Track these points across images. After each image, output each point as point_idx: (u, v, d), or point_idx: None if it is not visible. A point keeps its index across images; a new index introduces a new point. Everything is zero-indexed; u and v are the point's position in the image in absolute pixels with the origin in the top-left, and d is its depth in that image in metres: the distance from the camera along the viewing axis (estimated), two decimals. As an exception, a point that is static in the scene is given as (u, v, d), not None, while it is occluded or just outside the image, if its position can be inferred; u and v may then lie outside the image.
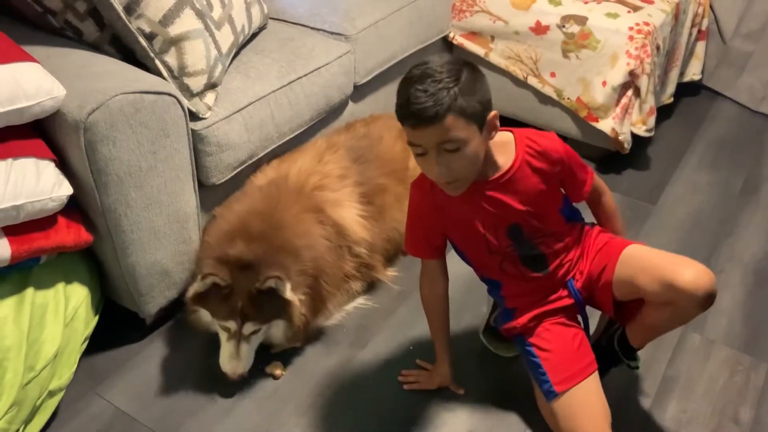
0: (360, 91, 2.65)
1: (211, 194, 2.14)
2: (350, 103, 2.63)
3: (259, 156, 2.23)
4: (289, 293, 1.92)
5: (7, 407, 1.68)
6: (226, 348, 1.97)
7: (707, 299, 1.59)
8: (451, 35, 3.11)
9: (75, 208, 1.88)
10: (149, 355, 2.13)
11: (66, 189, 1.76)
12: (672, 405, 1.97)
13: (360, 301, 2.33)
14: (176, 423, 1.93)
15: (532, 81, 3.00)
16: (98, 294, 2.04)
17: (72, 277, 1.92)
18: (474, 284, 2.06)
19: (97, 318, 2.02)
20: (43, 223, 1.75)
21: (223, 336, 1.98)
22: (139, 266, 1.98)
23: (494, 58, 3.05)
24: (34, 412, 1.80)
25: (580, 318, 1.88)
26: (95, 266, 2.05)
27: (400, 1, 2.70)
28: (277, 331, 2.01)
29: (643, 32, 2.75)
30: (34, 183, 1.67)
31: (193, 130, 1.98)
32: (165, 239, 2.01)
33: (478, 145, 1.54)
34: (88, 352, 2.09)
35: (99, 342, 2.12)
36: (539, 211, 1.71)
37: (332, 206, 2.18)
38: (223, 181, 2.13)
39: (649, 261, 1.69)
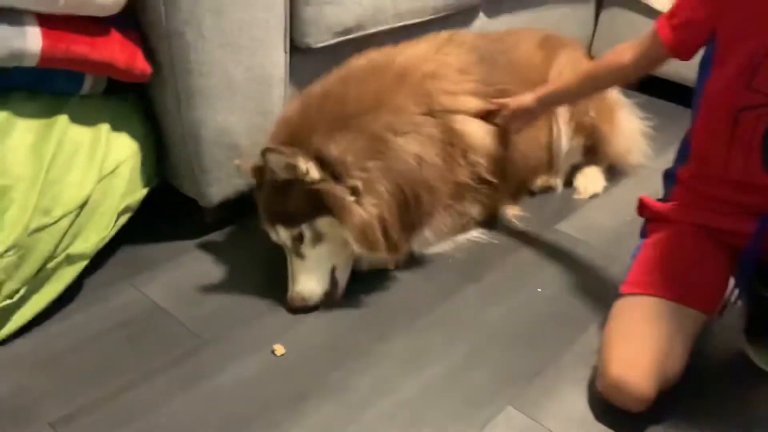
0: (495, 3, 2.19)
1: (303, 62, 1.70)
2: (482, 16, 2.18)
3: (368, 31, 1.79)
4: (314, 172, 1.44)
5: (5, 248, 1.26)
6: (289, 268, 1.53)
7: None
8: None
9: (135, 29, 1.49)
10: (203, 255, 1.68)
11: (124, -16, 1.37)
12: None
13: (474, 233, 1.81)
14: (222, 328, 1.45)
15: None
16: (151, 161, 1.62)
17: (120, 124, 1.52)
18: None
19: (145, 192, 1.60)
20: (90, 26, 1.36)
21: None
22: (206, 127, 1.55)
23: None
24: (45, 277, 1.37)
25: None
26: (152, 126, 1.64)
27: None
28: (337, 241, 1.51)
29: None
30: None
31: (293, -33, 1.58)
32: (240, 99, 1.58)
33: None
34: (128, 240, 1.66)
35: (144, 232, 1.70)
36: None
37: (445, 96, 1.69)
38: (320, 45, 1.69)
39: None
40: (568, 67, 1.94)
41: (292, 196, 1.45)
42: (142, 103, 1.61)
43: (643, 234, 1.51)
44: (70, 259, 1.40)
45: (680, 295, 1.32)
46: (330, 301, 1.53)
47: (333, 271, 1.53)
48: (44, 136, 1.35)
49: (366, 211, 1.47)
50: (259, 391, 1.31)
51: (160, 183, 1.70)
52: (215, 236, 1.75)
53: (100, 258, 1.60)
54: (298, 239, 1.48)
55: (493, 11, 2.21)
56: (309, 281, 1.50)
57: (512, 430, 1.25)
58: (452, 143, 1.67)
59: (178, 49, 1.45)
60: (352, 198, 1.46)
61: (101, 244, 1.47)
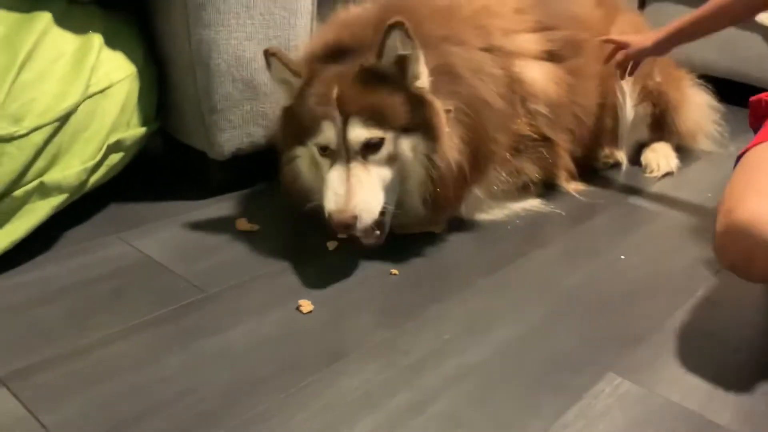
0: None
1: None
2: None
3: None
4: (425, 77, 1.17)
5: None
6: (331, 178, 1.18)
7: None
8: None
9: None
10: (210, 215, 1.38)
11: None
12: None
13: (533, 203, 1.51)
14: (232, 282, 1.14)
15: (763, 17, 2.23)
16: (151, 95, 1.35)
17: (116, 40, 1.26)
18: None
19: (142, 131, 1.32)
20: None
21: (325, 165, 1.21)
22: (217, 52, 1.29)
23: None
24: (10, 208, 1.08)
25: None
26: (154, 53, 1.37)
27: None
28: (406, 172, 1.23)
29: None
30: None
31: None
32: (260, 24, 1.33)
33: None
34: (120, 198, 1.37)
35: (140, 191, 1.42)
36: None
37: (503, 35, 1.44)
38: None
39: None
40: (629, 30, 1.70)
41: (392, 93, 1.17)
42: (143, 25, 1.35)
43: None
44: (43, 189, 1.11)
45: None
46: (372, 244, 1.22)
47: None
48: (18, 30, 1.09)
49: (456, 147, 1.21)
50: (279, 350, 0.99)
51: (160, 133, 1.43)
52: (225, 198, 1.45)
53: (85, 212, 1.31)
54: (374, 147, 1.17)
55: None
56: (371, 197, 1.16)
57: (623, 400, 0.93)
58: (513, 89, 1.40)
59: (189, -56, 1.21)
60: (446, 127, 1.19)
61: (84, 178, 1.18)
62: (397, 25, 1.12)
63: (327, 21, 1.34)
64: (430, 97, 1.18)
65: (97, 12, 1.25)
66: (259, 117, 1.40)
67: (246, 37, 1.32)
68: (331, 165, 1.19)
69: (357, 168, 1.17)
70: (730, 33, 2.30)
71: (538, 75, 1.47)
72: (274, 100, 1.41)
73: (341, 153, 1.17)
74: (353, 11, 1.33)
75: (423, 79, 1.18)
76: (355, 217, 1.13)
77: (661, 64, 1.76)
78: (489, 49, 1.38)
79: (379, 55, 1.15)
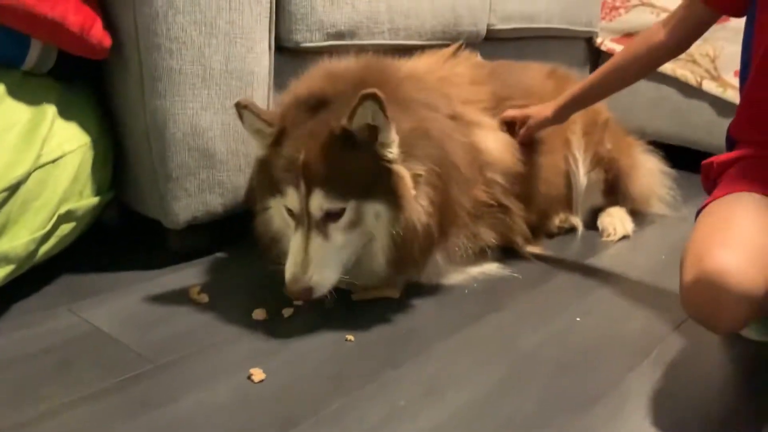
0: (494, 46, 2.05)
1: (290, 65, 1.48)
2: (479, 57, 2.02)
3: (362, 41, 1.59)
4: (395, 146, 1.19)
5: None
6: (292, 244, 1.20)
7: None
8: (599, 40, 2.55)
9: (95, -2, 1.27)
10: (162, 285, 1.35)
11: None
12: None
13: (491, 267, 1.52)
14: (182, 353, 1.11)
15: (709, 86, 2.33)
16: (106, 165, 1.35)
17: (70, 111, 1.26)
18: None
19: (95, 201, 1.31)
20: (38, -21, 1.15)
21: (291, 225, 1.23)
22: (173, 122, 1.30)
23: (656, 64, 2.44)
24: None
25: None
26: (109, 123, 1.38)
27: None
28: (367, 235, 1.24)
29: None
30: None
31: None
32: (216, 94, 1.34)
33: None
34: (71, 269, 1.35)
35: (92, 261, 1.40)
36: None
37: (462, 104, 1.48)
38: (308, 45, 1.49)
39: None
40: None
41: (358, 159, 1.18)
42: (98, 96, 1.36)
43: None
44: (-12, 260, 1.09)
45: None
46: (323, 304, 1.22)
47: None
48: (-30, 102, 1.09)
49: (424, 210, 1.22)
50: (231, 419, 0.96)
51: (116, 203, 1.42)
52: (180, 267, 1.43)
53: (36, 282, 1.29)
54: (334, 216, 1.18)
55: (491, 51, 2.06)
56: (327, 268, 1.18)
57: (579, 461, 0.91)
58: (473, 156, 1.43)
59: (145, 17, 1.23)
60: (413, 191, 1.21)
61: (32, 248, 1.16)
62: (371, 97, 1.13)
63: (312, 70, 1.36)
64: (396, 167, 1.19)
65: (51, 83, 1.26)
66: (216, 185, 1.40)
67: (202, 107, 1.33)
68: (295, 228, 1.20)
69: (316, 238, 1.18)
70: (679, 102, 2.40)
71: (493, 144, 1.50)
72: (231, 167, 1.42)
73: (303, 220, 1.18)
74: (337, 64, 1.35)
75: (392, 149, 1.19)
76: (310, 289, 1.16)
77: (611, 132, 1.82)
78: (453, 117, 1.42)
79: (350, 119, 1.17)
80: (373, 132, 1.18)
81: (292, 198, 1.19)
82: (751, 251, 0.99)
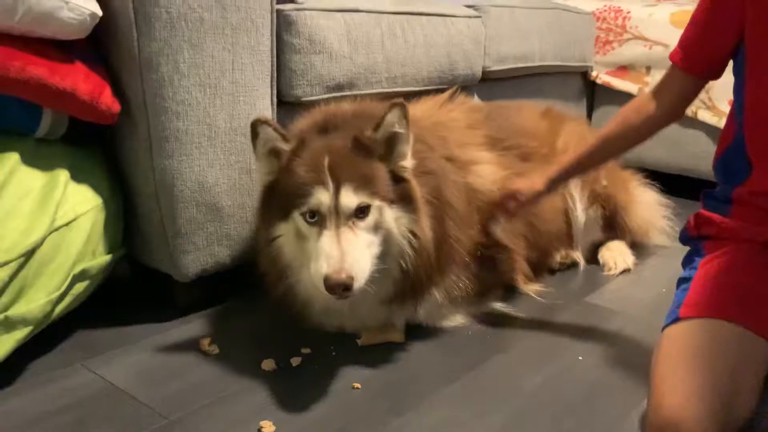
0: (490, 87, 2.11)
1: (291, 114, 1.53)
2: (476, 98, 2.08)
3: (361, 91, 1.65)
4: (408, 163, 1.31)
5: None
6: (323, 242, 1.20)
7: None
8: (594, 74, 2.60)
9: (103, 64, 1.33)
10: (174, 338, 1.39)
11: (92, 4, 1.22)
12: None
13: (494, 306, 1.56)
14: (194, 407, 1.15)
15: (704, 116, 2.37)
16: (117, 225, 1.40)
17: (82, 174, 1.32)
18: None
19: (107, 259, 1.36)
20: (52, 51, 1.20)
21: (312, 233, 1.23)
22: (181, 180, 1.35)
23: (651, 95, 2.49)
24: (-29, 344, 1.10)
25: None
26: (119, 184, 1.43)
27: (541, 1, 2.26)
28: (392, 244, 1.29)
29: None
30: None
31: (279, 11, 1.47)
32: (222, 152, 1.40)
33: None
34: (85, 325, 1.39)
35: (105, 317, 1.44)
36: None
37: (458, 147, 1.53)
38: (308, 98, 1.54)
39: None
40: (574, 139, 1.81)
41: (379, 167, 1.28)
42: (108, 157, 1.42)
43: (696, 253, 1.29)
44: (9, 323, 1.13)
45: (750, 318, 1.09)
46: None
47: None
48: (-16, 172, 1.14)
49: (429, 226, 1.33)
50: (242, 473, 1.00)
51: (127, 258, 1.47)
52: (189, 319, 1.48)
53: (49, 341, 1.33)
54: (361, 213, 1.23)
55: (487, 93, 2.11)
56: (363, 260, 1.20)
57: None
58: (470, 197, 1.47)
59: (152, 83, 1.29)
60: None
61: (49, 309, 1.20)
62: (398, 105, 1.25)
63: (313, 110, 1.43)
64: (410, 176, 1.29)
65: (63, 148, 1.31)
66: (224, 238, 1.45)
67: (208, 164, 1.38)
68: (320, 232, 1.21)
69: (347, 232, 1.21)
70: (677, 131, 2.44)
71: (491, 185, 1.54)
72: (238, 220, 1.47)
73: (331, 218, 1.21)
74: (333, 106, 1.44)
75: (408, 161, 1.29)
76: (352, 277, 1.15)
77: (606, 169, 1.85)
78: (449, 159, 1.47)
79: (377, 127, 1.25)
80: (392, 142, 1.27)
81: (320, 197, 1.21)
82: (711, 400, 0.98)
